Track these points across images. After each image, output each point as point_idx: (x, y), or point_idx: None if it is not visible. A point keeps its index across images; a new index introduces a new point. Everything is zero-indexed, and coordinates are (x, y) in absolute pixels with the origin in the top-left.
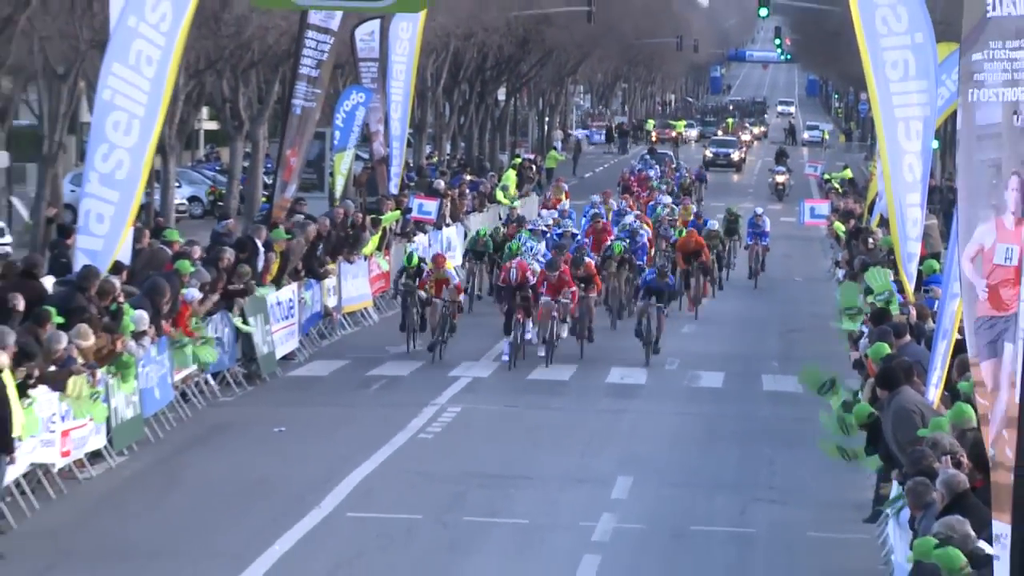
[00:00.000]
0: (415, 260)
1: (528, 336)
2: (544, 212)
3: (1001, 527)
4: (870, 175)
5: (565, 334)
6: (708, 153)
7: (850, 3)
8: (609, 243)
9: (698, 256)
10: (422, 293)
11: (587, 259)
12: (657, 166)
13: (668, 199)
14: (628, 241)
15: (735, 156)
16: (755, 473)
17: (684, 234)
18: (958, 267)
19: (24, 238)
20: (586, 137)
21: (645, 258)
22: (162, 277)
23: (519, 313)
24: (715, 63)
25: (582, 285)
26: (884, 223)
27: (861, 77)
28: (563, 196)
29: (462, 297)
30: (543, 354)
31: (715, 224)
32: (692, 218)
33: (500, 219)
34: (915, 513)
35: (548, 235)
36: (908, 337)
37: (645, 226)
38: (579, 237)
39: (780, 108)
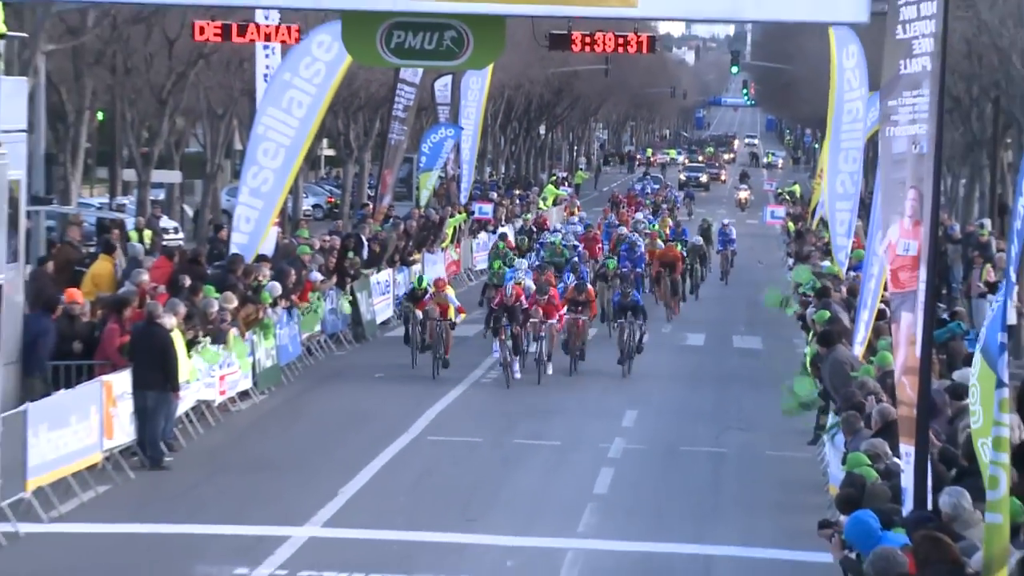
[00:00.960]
0: (424, 283)
1: (511, 362)
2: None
3: (907, 448)
4: (813, 188)
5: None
6: (682, 177)
7: (831, 69)
8: (603, 261)
9: (673, 268)
10: (419, 313)
11: (588, 287)
12: (655, 185)
13: (640, 215)
14: (627, 251)
15: (703, 179)
16: (727, 408)
17: (665, 247)
18: (875, 256)
19: (191, 234)
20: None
21: (643, 266)
22: (288, 263)
23: (513, 329)
24: (699, 106)
25: (579, 308)
26: (822, 223)
27: (807, 117)
28: (575, 210)
29: (459, 318)
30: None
31: (698, 239)
32: (672, 228)
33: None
34: (847, 438)
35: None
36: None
37: (648, 238)
38: (578, 247)
39: (747, 140)
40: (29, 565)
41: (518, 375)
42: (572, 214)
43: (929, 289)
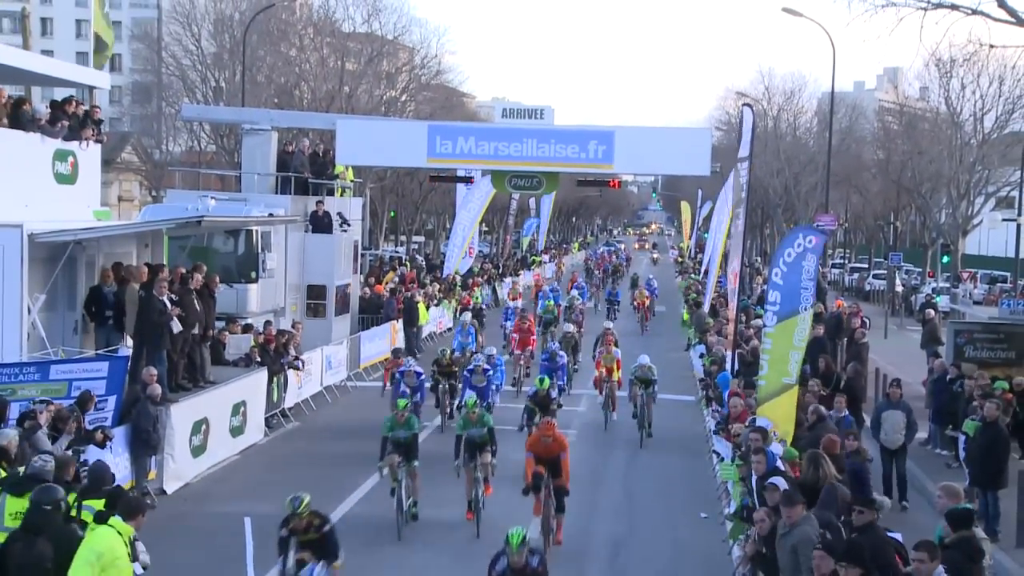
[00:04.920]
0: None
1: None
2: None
3: (728, 352)
4: (687, 244)
5: None
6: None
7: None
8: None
9: (558, 473)
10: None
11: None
12: (609, 249)
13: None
14: (547, 360)
15: (622, 247)
16: (650, 330)
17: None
18: (727, 271)
19: (426, 263)
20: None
21: (564, 379)
22: (469, 275)
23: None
24: (639, 210)
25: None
26: (691, 259)
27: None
28: (561, 266)
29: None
30: None
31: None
32: (607, 290)
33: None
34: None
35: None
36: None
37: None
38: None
39: (660, 225)
40: (360, 397)
41: None
42: (561, 269)
43: (739, 285)
